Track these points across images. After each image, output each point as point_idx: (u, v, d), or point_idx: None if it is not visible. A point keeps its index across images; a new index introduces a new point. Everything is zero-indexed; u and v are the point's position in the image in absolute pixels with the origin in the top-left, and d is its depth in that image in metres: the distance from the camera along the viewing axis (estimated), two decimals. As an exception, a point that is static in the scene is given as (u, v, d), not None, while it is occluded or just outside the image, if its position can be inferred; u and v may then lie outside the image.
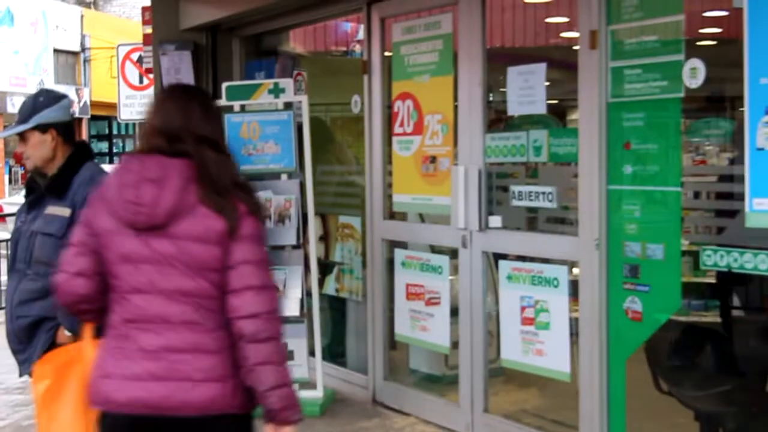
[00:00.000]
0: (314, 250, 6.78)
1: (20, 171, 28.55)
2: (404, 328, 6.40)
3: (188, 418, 2.92)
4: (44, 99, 4.05)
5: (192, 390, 2.91)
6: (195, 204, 2.95)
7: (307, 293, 6.76)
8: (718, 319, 5.27)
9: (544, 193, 5.32)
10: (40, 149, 4.02)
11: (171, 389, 2.90)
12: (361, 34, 7.25)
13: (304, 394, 6.72)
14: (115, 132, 33.99)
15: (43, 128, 4.00)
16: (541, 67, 5.38)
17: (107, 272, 3.02)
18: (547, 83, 5.35)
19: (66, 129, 4.05)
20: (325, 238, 7.44)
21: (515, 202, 5.52)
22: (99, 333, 3.17)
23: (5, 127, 15.67)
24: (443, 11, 6.05)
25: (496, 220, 5.67)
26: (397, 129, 6.49)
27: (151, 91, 10.71)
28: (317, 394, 6.67)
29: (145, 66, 11.15)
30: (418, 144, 6.28)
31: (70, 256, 3.09)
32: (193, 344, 2.94)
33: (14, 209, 9.45)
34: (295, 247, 6.77)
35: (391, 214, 6.72)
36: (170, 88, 3.36)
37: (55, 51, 29.79)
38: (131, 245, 2.96)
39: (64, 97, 4.13)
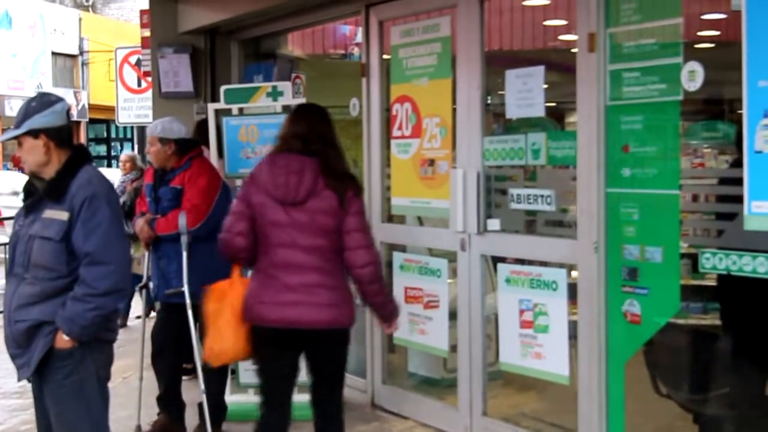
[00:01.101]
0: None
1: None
2: (403, 332, 6.38)
3: (315, 330, 4.36)
4: (36, 104, 4.04)
5: (319, 312, 4.34)
6: (322, 188, 4.35)
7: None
8: (717, 322, 5.27)
9: (542, 196, 5.32)
10: (33, 154, 4.02)
11: (305, 311, 4.33)
12: (360, 37, 7.25)
13: (302, 398, 6.70)
14: (113, 135, 34.01)
15: (34, 133, 4.00)
16: (539, 70, 5.38)
17: (258, 233, 4.40)
18: (546, 86, 5.35)
19: (59, 133, 4.04)
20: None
21: (514, 205, 5.52)
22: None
23: (3, 130, 15.66)
24: (442, 14, 6.05)
25: (494, 223, 5.67)
26: (395, 132, 6.49)
27: (149, 94, 10.69)
28: (316, 397, 6.66)
29: (143, 69, 11.17)
30: (417, 147, 6.28)
31: (232, 221, 4.45)
32: (319, 282, 4.36)
33: (12, 213, 9.46)
34: (293, 250, 6.77)
35: (390, 217, 6.72)
36: (300, 106, 4.90)
37: (53, 54, 29.80)
38: (278, 215, 4.36)
39: (58, 101, 4.10)
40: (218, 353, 4.59)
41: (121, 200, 8.73)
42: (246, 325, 4.44)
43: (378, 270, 4.45)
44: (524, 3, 7.42)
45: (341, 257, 4.40)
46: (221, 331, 4.51)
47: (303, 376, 6.62)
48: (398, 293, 6.40)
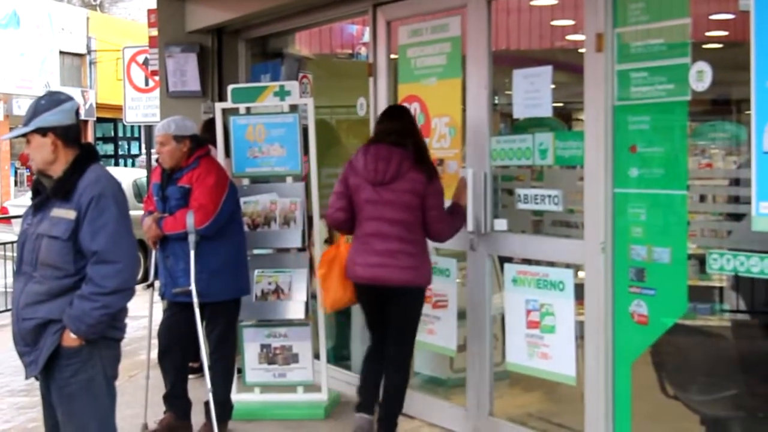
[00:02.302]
0: (319, 252, 6.77)
1: (26, 173, 28.61)
2: None
3: (395, 286, 5.41)
4: (45, 102, 4.04)
5: (400, 273, 5.38)
6: (406, 172, 5.36)
7: (312, 296, 6.76)
8: (725, 323, 5.26)
9: (549, 196, 5.32)
10: (41, 152, 4.02)
11: (389, 271, 5.39)
12: (367, 37, 7.25)
13: (309, 398, 6.72)
14: (120, 134, 34.07)
15: (42, 131, 4.00)
16: (547, 70, 5.38)
17: (355, 208, 5.52)
18: (553, 86, 5.34)
19: (67, 132, 4.04)
20: (330, 241, 7.43)
21: (521, 205, 5.51)
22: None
23: (11, 128, 15.67)
24: (451, 14, 6.04)
25: (501, 223, 5.66)
26: None
27: (156, 93, 10.70)
28: (322, 397, 6.67)
29: (150, 68, 11.14)
30: None
31: (334, 199, 5.61)
32: (400, 249, 5.39)
33: (20, 211, 9.46)
34: (300, 249, 6.78)
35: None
36: (392, 107, 5.91)
37: (61, 53, 29.86)
38: (370, 194, 5.44)
39: (67, 100, 4.11)
40: (332, 303, 5.84)
41: None
42: (350, 280, 5.63)
43: (450, 236, 5.57)
44: (532, 3, 7.40)
45: (422, 228, 5.41)
46: (333, 286, 5.74)
47: (303, 376, 6.65)
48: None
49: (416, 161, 5.39)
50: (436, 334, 6.19)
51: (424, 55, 6.31)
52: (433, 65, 6.23)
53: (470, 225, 5.73)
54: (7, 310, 10.58)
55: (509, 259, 5.71)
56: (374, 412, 5.63)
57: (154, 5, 9.38)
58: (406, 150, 5.40)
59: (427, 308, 6.15)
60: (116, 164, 32.19)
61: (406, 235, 5.39)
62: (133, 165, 31.84)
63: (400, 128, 5.49)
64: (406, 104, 6.36)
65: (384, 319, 5.57)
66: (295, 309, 6.67)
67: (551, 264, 5.39)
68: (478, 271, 5.80)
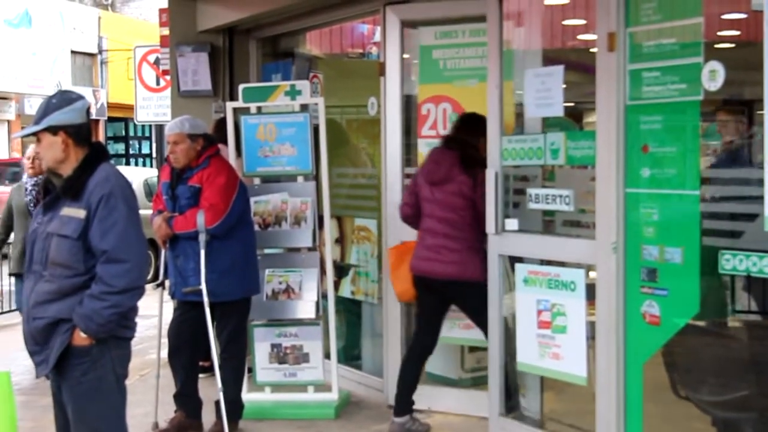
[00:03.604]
0: (330, 252, 6.78)
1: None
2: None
3: (444, 280, 5.83)
4: (57, 101, 4.05)
5: (444, 267, 5.81)
6: (456, 175, 5.82)
7: (323, 296, 6.77)
8: (737, 324, 5.24)
9: (561, 196, 5.30)
10: (51, 150, 4.02)
11: (433, 265, 5.84)
12: (378, 37, 7.24)
13: (319, 397, 6.72)
14: (131, 134, 34.11)
15: (53, 130, 4.00)
16: (558, 70, 5.36)
17: (420, 205, 5.96)
18: (565, 86, 5.32)
19: (78, 131, 4.04)
20: (341, 241, 7.44)
21: (532, 205, 5.49)
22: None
23: (23, 127, 15.78)
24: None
25: (512, 223, 5.64)
26: (427, 131, 6.59)
27: (167, 92, 10.71)
28: (332, 396, 6.67)
29: (161, 68, 11.17)
30: None
31: (404, 195, 6.24)
32: (444, 245, 5.83)
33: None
34: (311, 249, 6.78)
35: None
36: (464, 114, 6.21)
37: (73, 53, 29.91)
38: (427, 192, 5.92)
39: (78, 99, 4.11)
40: (401, 292, 6.20)
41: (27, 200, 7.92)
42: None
43: None
44: (544, 2, 7.37)
45: (472, 227, 5.79)
46: (402, 276, 6.11)
47: (314, 375, 6.64)
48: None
49: (466, 166, 5.80)
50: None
51: (459, 57, 6.45)
52: (473, 67, 6.35)
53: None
54: (10, 311, 10.66)
55: (520, 259, 5.69)
56: (409, 412, 6.03)
57: (165, 5, 9.40)
58: (458, 154, 5.84)
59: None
60: (127, 163, 32.25)
61: (451, 233, 5.82)
62: (144, 164, 31.89)
63: (461, 134, 5.93)
64: (429, 104, 6.56)
65: (431, 315, 6.03)
66: (306, 308, 6.67)
67: (562, 264, 5.36)
68: (490, 271, 5.77)
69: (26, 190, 7.92)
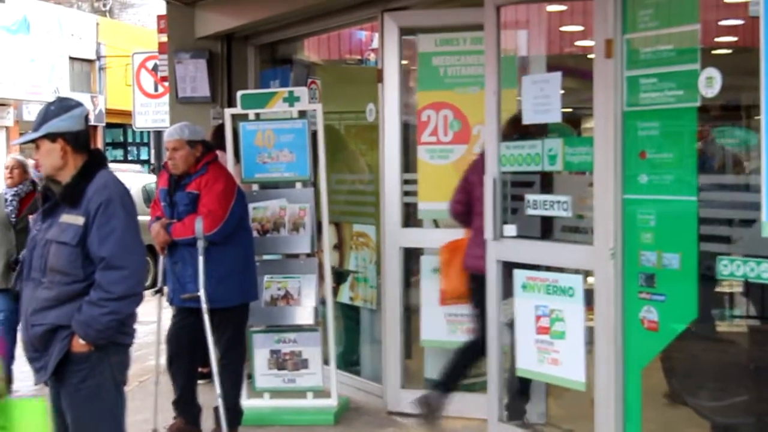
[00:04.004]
0: (328, 258, 6.78)
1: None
2: (437, 333, 6.57)
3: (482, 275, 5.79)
4: (55, 108, 4.05)
5: (474, 262, 5.89)
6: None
7: (322, 302, 6.77)
8: (735, 329, 5.25)
9: (559, 202, 5.31)
10: (50, 158, 4.03)
11: (483, 264, 5.74)
12: (376, 43, 7.26)
13: (318, 403, 6.72)
14: (129, 140, 34.08)
15: (52, 137, 4.01)
16: (556, 76, 5.37)
17: (471, 203, 6.02)
18: (562, 92, 5.34)
19: (77, 138, 4.05)
20: (339, 247, 7.44)
21: (530, 211, 5.50)
22: None
23: (21, 134, 15.72)
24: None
25: (510, 229, 5.65)
26: (427, 138, 6.59)
27: (165, 99, 10.73)
28: (331, 402, 6.67)
29: (160, 74, 11.19)
30: (462, 153, 6.46)
31: (456, 191, 6.16)
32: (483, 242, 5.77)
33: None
34: (309, 255, 6.78)
35: (413, 222, 6.74)
36: (512, 116, 5.84)
37: (71, 59, 29.89)
38: (481, 192, 5.73)
39: (77, 106, 4.12)
40: (451, 292, 6.22)
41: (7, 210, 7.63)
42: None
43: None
44: (542, 10, 7.39)
45: None
46: (453, 274, 6.15)
47: (313, 381, 6.64)
48: (429, 297, 6.57)
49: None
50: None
51: (460, 64, 6.47)
52: (476, 75, 6.35)
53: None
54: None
55: (519, 265, 5.69)
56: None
57: (163, 11, 9.40)
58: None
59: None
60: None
61: None
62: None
63: (515, 133, 5.83)
64: (429, 110, 6.57)
65: (484, 315, 5.92)
66: (305, 314, 6.67)
67: (561, 270, 5.38)
68: (488, 276, 5.78)
69: (6, 201, 7.66)
